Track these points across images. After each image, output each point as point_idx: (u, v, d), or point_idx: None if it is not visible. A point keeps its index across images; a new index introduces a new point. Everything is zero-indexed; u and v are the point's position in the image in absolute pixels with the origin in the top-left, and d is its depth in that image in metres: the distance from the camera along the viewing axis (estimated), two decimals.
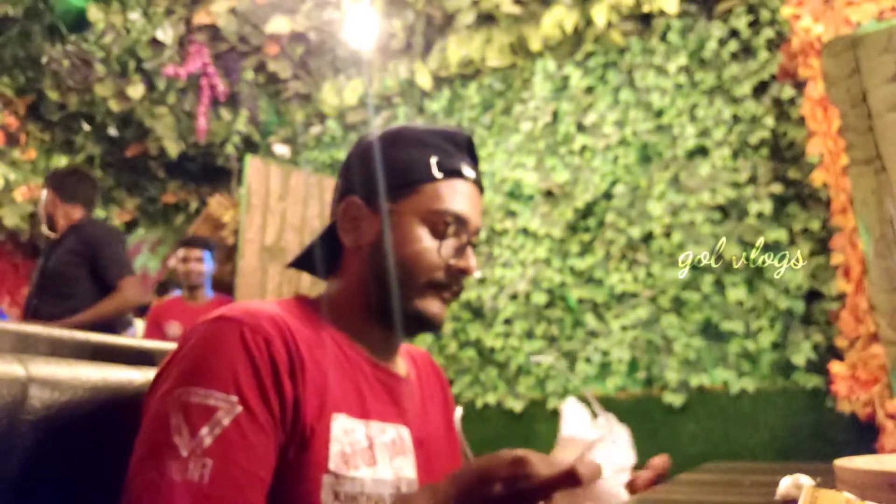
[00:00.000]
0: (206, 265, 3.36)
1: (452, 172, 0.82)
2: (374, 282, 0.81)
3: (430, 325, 0.82)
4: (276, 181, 4.04)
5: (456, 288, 0.82)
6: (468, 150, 0.87)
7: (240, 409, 0.65)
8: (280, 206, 4.04)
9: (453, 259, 0.81)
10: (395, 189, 0.81)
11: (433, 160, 0.82)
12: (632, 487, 0.69)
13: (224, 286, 3.86)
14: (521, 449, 0.62)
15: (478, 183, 0.86)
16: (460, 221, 0.81)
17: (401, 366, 0.89)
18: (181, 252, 3.38)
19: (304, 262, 0.92)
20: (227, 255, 3.40)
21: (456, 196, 0.81)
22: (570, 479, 0.59)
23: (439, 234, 0.80)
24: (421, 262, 0.80)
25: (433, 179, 0.81)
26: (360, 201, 0.83)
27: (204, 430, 0.63)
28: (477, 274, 0.84)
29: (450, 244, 0.81)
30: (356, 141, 0.89)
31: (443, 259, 0.80)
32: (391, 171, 0.82)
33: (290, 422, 0.69)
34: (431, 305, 0.81)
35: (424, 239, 0.80)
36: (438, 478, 0.73)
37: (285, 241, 4.02)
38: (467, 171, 0.84)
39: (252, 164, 3.97)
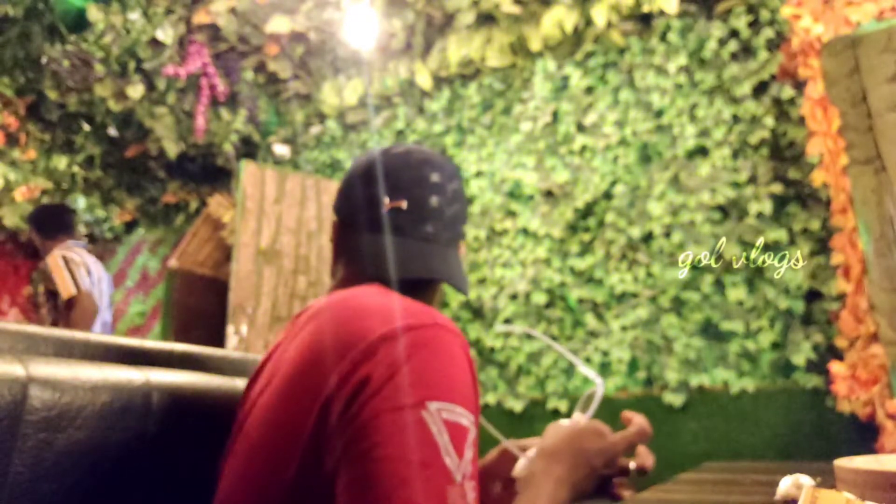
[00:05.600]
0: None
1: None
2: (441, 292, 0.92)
3: None
4: (271, 185, 4.06)
5: None
6: None
7: (475, 430, 0.64)
8: (276, 209, 4.05)
9: None
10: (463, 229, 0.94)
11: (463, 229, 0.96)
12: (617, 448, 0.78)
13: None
14: (576, 415, 0.77)
15: None
16: None
17: None
18: None
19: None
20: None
21: None
22: (643, 435, 0.74)
23: None
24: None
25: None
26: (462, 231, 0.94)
27: (467, 453, 0.61)
28: None
29: None
30: (434, 158, 0.90)
31: None
32: (464, 211, 0.92)
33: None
34: None
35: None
36: None
37: (280, 245, 4.03)
38: None
39: (247, 168, 3.98)
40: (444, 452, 0.58)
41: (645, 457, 0.79)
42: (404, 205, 0.85)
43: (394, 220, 0.84)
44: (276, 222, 4.04)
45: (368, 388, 0.61)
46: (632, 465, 0.77)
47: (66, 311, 3.09)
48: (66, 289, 3.08)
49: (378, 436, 0.58)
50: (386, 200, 0.85)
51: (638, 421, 0.77)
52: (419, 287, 0.84)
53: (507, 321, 3.70)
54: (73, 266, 3.14)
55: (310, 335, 0.69)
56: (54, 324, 3.09)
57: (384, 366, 0.62)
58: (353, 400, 0.61)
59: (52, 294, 3.15)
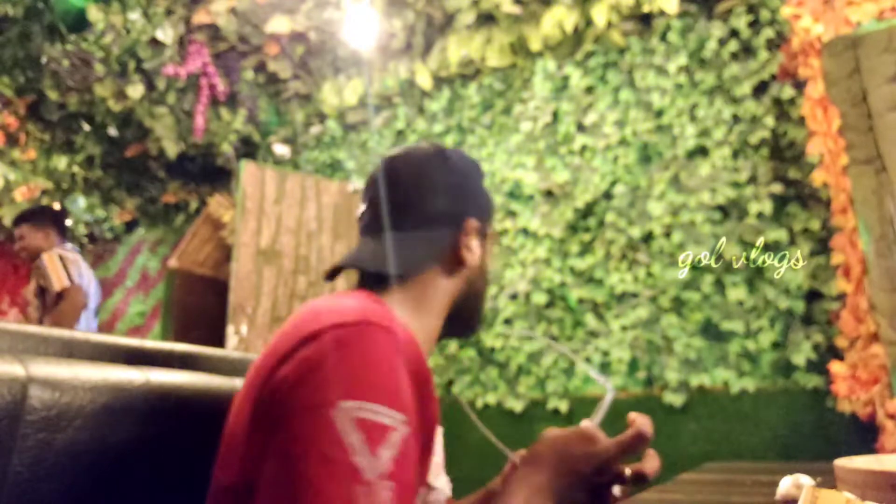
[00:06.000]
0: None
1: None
2: (469, 297, 0.87)
3: (477, 330, 0.93)
4: (271, 185, 4.06)
5: None
6: None
7: (407, 429, 0.62)
8: (275, 209, 4.05)
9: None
10: (490, 215, 0.92)
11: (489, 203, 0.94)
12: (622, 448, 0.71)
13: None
14: (584, 423, 0.71)
15: None
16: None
17: None
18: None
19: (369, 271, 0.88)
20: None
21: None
22: (640, 439, 0.66)
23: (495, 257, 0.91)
24: (490, 281, 0.93)
25: (493, 211, 0.94)
26: (477, 224, 0.88)
27: (384, 452, 0.59)
28: None
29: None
30: (438, 150, 0.90)
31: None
32: (486, 198, 0.92)
33: (427, 439, 0.70)
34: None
35: (495, 261, 0.91)
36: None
37: (280, 245, 4.03)
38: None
39: (247, 168, 3.99)
40: (352, 452, 0.57)
41: (648, 461, 0.72)
42: (362, 207, 0.88)
43: (360, 224, 0.89)
44: (276, 222, 4.04)
45: (284, 388, 0.62)
46: (627, 471, 0.70)
47: (53, 304, 3.13)
48: (59, 280, 3.13)
49: (288, 435, 0.60)
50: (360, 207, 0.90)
51: (638, 424, 0.70)
52: (399, 283, 0.83)
53: (508, 321, 3.70)
54: (68, 262, 3.21)
55: (272, 340, 0.72)
56: (40, 321, 3.12)
57: (300, 366, 0.63)
58: (273, 400, 0.63)
59: (42, 290, 3.19)
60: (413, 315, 0.81)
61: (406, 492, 0.59)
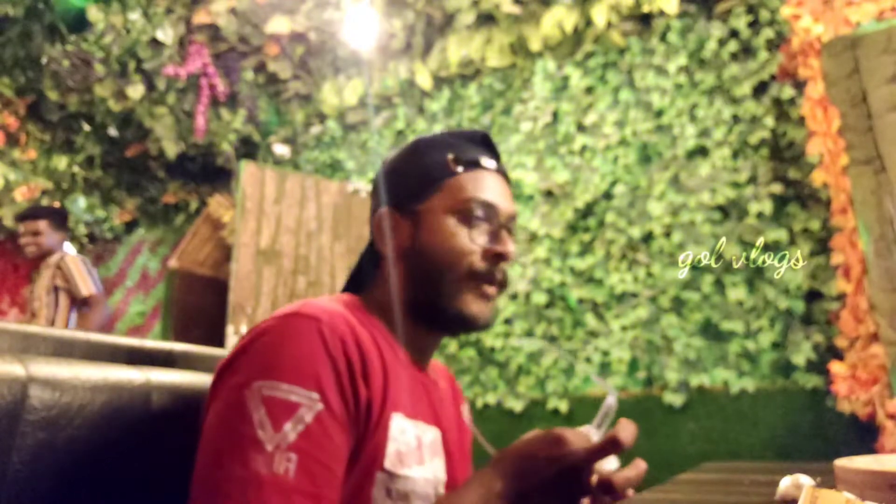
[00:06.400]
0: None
1: (471, 164, 0.85)
2: (414, 284, 0.83)
3: (472, 325, 0.82)
4: (271, 185, 4.07)
5: (499, 277, 0.83)
6: (484, 144, 0.90)
7: (321, 406, 0.66)
8: (275, 209, 4.06)
9: (488, 244, 0.82)
10: (420, 192, 0.84)
11: (450, 157, 0.85)
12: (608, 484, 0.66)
13: None
14: (558, 427, 0.65)
15: (501, 172, 0.89)
16: (488, 208, 0.83)
17: (432, 371, 0.91)
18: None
19: (351, 280, 0.93)
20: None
21: (479, 185, 0.84)
22: (613, 445, 0.61)
23: (469, 223, 0.82)
24: (455, 251, 0.81)
25: (453, 174, 0.84)
26: (390, 210, 0.86)
27: (288, 426, 0.63)
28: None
29: (482, 230, 0.83)
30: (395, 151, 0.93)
31: (476, 244, 0.81)
32: (413, 177, 0.86)
33: (363, 422, 0.71)
34: (472, 305, 0.81)
35: (455, 229, 0.81)
36: (459, 482, 0.74)
37: (280, 245, 4.04)
38: (486, 161, 0.86)
39: (247, 169, 3.99)
40: (257, 425, 0.62)
41: (622, 472, 0.66)
42: None
43: None
44: (276, 222, 4.05)
45: (217, 375, 0.70)
46: (593, 478, 0.65)
47: (71, 307, 3.20)
48: (87, 287, 3.20)
49: (211, 413, 0.67)
50: None
51: (616, 429, 0.64)
52: (371, 283, 0.88)
53: (508, 321, 3.70)
54: (90, 268, 3.27)
55: None
56: (52, 320, 3.14)
57: (231, 355, 0.71)
58: (211, 388, 0.71)
59: (56, 290, 3.20)
60: (382, 311, 0.84)
61: (313, 463, 0.63)
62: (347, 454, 0.69)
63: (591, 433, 0.69)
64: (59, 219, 3.36)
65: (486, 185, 0.84)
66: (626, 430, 0.63)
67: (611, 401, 0.73)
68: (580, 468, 0.63)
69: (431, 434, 0.81)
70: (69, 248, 3.40)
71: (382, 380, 0.74)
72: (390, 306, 0.84)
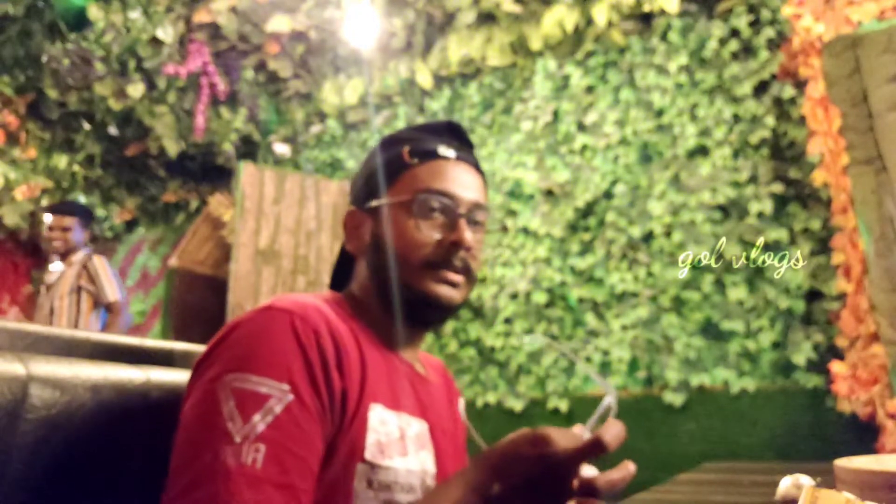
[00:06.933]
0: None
1: (427, 155, 0.85)
2: (379, 279, 0.84)
3: (438, 306, 0.82)
4: (270, 186, 4.08)
5: (457, 264, 0.82)
6: (449, 133, 0.90)
7: (291, 397, 0.66)
8: (274, 209, 4.07)
9: (443, 234, 0.82)
10: (378, 188, 0.85)
11: (405, 150, 0.85)
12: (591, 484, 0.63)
13: None
14: (543, 426, 0.63)
15: (464, 161, 0.87)
16: (445, 197, 0.82)
17: (419, 366, 0.92)
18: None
19: (333, 280, 0.96)
20: None
21: (435, 175, 0.83)
22: (597, 447, 0.58)
23: (424, 215, 0.82)
24: (409, 244, 0.81)
25: (408, 167, 0.84)
26: (354, 210, 0.88)
27: (257, 417, 0.64)
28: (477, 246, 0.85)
29: (438, 221, 0.82)
30: None
31: (431, 235, 0.81)
32: (372, 174, 0.87)
33: (338, 412, 0.71)
34: (434, 288, 0.81)
35: (411, 223, 0.82)
36: (450, 474, 0.74)
37: (279, 244, 4.05)
38: (443, 150, 0.86)
39: (246, 170, 4.01)
40: (227, 417, 0.64)
41: (604, 475, 0.62)
42: None
43: None
44: (275, 223, 4.06)
45: (194, 370, 0.72)
46: (575, 482, 0.61)
47: (93, 309, 3.19)
48: (112, 292, 3.20)
49: (186, 406, 0.68)
50: None
51: (605, 429, 0.61)
52: (350, 283, 0.90)
53: (508, 321, 3.70)
54: (115, 272, 3.28)
55: None
56: (74, 323, 3.14)
57: (206, 350, 0.72)
58: (188, 383, 0.72)
59: (80, 290, 3.18)
60: (359, 307, 0.85)
61: (282, 452, 0.64)
62: (322, 445, 0.69)
63: (583, 433, 0.66)
64: (88, 217, 3.34)
65: (442, 175, 0.83)
66: (612, 432, 0.59)
67: (608, 401, 0.71)
68: (565, 469, 0.60)
69: (417, 426, 0.81)
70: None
71: (360, 371, 0.75)
72: (365, 302, 0.85)
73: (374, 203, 0.85)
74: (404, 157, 0.85)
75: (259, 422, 0.64)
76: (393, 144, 0.87)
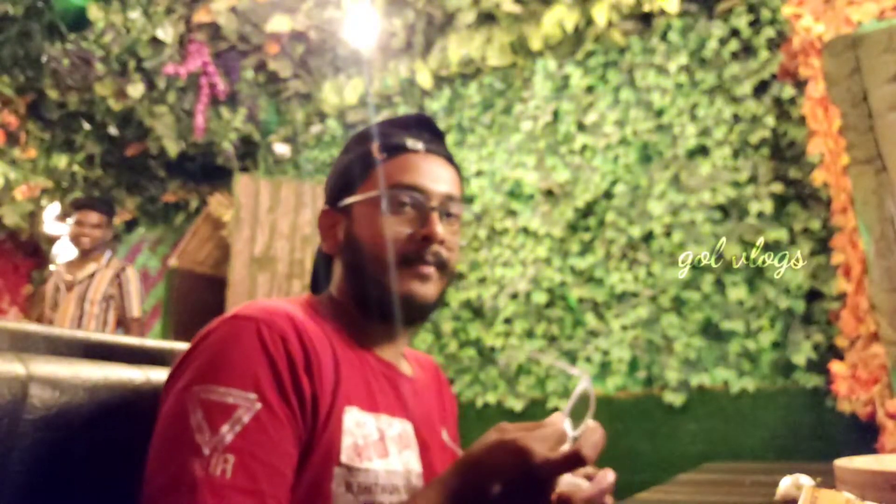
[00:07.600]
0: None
1: (395, 149, 0.84)
2: (354, 278, 0.83)
3: (412, 303, 0.80)
4: (265, 195, 4.14)
5: (430, 259, 0.81)
6: (418, 126, 0.89)
7: (259, 406, 0.66)
8: (270, 217, 4.11)
9: (414, 228, 0.81)
10: (348, 186, 0.85)
11: (373, 146, 0.85)
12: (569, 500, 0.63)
13: None
14: (521, 424, 0.63)
15: (435, 153, 0.86)
16: (414, 191, 0.82)
17: (404, 365, 0.90)
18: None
19: (312, 282, 0.96)
20: None
21: (403, 170, 0.82)
22: (576, 461, 0.58)
23: (394, 210, 0.81)
24: (379, 241, 0.80)
25: (378, 163, 0.83)
26: (327, 209, 0.88)
27: (225, 428, 0.64)
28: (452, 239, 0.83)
29: (408, 215, 0.81)
30: None
31: (401, 231, 0.80)
32: (343, 173, 0.86)
33: (310, 417, 0.70)
34: (407, 284, 0.80)
35: (381, 219, 0.81)
36: (439, 472, 0.74)
37: (275, 251, 4.09)
38: (412, 143, 0.85)
39: (241, 181, 4.07)
40: (195, 429, 0.64)
41: (583, 487, 0.63)
42: None
43: None
44: (271, 230, 4.10)
45: (167, 381, 0.72)
46: (553, 496, 0.61)
47: (116, 321, 3.07)
48: (138, 308, 3.10)
49: (158, 419, 0.68)
50: None
51: (584, 440, 0.60)
52: (329, 286, 0.89)
53: (508, 321, 3.70)
54: (141, 288, 3.16)
55: None
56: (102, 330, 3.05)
57: (178, 361, 0.72)
58: (161, 394, 0.72)
59: (109, 300, 3.07)
60: (336, 309, 0.84)
61: (252, 461, 0.63)
62: (296, 450, 0.69)
63: (563, 419, 0.64)
64: (112, 216, 3.23)
65: (412, 169, 0.82)
66: (590, 442, 0.59)
67: (583, 385, 0.68)
68: (544, 483, 0.60)
69: (398, 427, 0.80)
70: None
71: (333, 374, 0.74)
72: (342, 303, 0.84)
73: (345, 201, 0.84)
74: (373, 152, 0.84)
75: (227, 432, 0.64)
76: (362, 141, 0.87)
